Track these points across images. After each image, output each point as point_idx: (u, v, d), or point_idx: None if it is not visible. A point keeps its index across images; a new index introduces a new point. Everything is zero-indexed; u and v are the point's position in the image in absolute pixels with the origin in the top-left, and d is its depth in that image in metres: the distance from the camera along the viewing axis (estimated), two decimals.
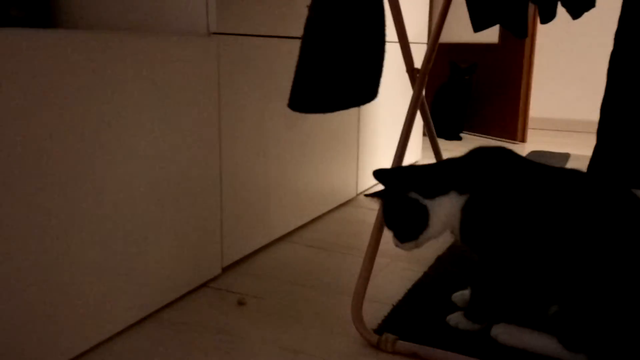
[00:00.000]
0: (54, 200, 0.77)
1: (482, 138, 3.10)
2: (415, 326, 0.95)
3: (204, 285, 1.12)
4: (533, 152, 2.61)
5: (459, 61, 2.96)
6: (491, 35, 3.00)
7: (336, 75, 0.87)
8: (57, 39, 0.76)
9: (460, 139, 3.04)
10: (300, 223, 1.46)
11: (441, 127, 3.01)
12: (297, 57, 0.86)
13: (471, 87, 2.99)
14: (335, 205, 1.65)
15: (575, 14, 1.14)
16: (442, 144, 2.87)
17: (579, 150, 2.70)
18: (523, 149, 2.74)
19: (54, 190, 0.77)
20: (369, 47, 0.90)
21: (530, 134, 3.14)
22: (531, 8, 2.66)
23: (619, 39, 0.95)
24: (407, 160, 2.23)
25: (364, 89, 0.92)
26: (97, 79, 0.82)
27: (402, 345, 0.88)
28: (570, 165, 2.33)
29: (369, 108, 1.79)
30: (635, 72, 0.93)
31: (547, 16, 1.22)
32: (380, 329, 0.94)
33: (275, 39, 1.25)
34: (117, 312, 0.91)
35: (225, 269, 1.19)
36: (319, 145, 1.50)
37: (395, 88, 1.98)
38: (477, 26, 1.05)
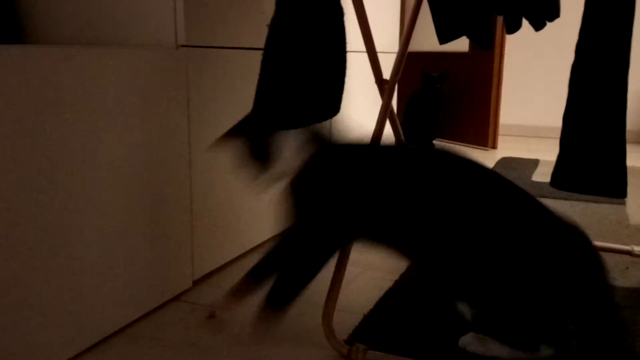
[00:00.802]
0: (21, 212, 0.76)
1: (454, 145, 3.14)
2: (386, 336, 0.95)
3: (175, 299, 1.11)
4: (503, 159, 2.65)
5: (430, 70, 3.00)
6: (462, 44, 3.05)
7: (297, 92, 0.88)
8: (25, 54, 0.75)
9: (433, 146, 3.07)
10: (271, 234, 1.46)
11: (414, 135, 3.04)
12: (258, 76, 0.87)
13: (443, 96, 3.03)
14: None
15: (537, 25, 1.16)
16: None
17: (548, 157, 2.76)
18: (494, 156, 2.79)
19: (21, 202, 0.76)
20: (330, 63, 0.91)
21: (500, 140, 3.19)
22: (498, 18, 2.71)
23: (580, 51, 0.98)
24: None
25: (326, 105, 0.93)
26: (65, 92, 0.81)
27: (373, 355, 0.89)
28: (539, 172, 2.38)
29: (341, 117, 1.80)
30: (594, 83, 0.96)
31: (513, 26, 1.24)
32: (351, 339, 0.94)
33: (245, 50, 1.25)
34: (86, 328, 0.89)
35: (196, 282, 1.18)
36: None
37: (368, 97, 2.00)
38: (443, 38, 1.07)
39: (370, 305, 1.07)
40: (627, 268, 1.26)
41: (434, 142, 3.15)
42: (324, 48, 0.89)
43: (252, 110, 0.89)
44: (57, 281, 0.83)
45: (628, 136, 1.12)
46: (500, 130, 3.13)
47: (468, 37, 1.13)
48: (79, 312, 0.88)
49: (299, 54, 0.87)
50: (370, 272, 1.26)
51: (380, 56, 1.19)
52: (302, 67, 0.87)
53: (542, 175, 2.29)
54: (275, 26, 0.85)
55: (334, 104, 0.96)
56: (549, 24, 1.20)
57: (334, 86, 0.94)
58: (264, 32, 0.89)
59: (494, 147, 3.02)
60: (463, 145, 3.12)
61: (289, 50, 0.86)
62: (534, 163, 2.57)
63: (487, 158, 2.73)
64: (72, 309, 0.86)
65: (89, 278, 0.89)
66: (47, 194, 0.80)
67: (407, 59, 1.15)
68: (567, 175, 1.03)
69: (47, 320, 0.82)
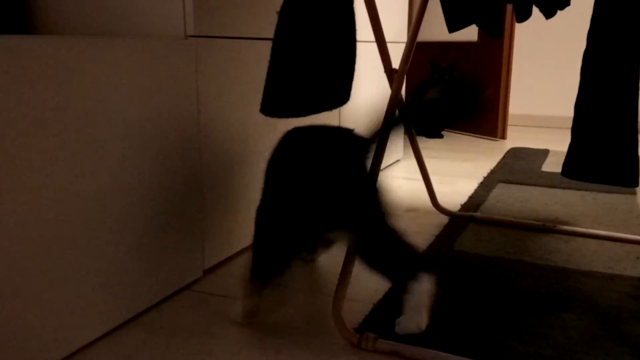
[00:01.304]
0: (27, 199, 0.77)
1: (462, 135, 3.12)
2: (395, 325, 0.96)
3: (186, 288, 1.12)
4: (512, 150, 2.64)
5: (439, 59, 2.98)
6: (471, 33, 3.03)
7: (307, 80, 0.88)
8: (34, 44, 0.75)
9: (441, 136, 3.06)
10: None
11: (423, 125, 3.03)
12: (268, 63, 0.87)
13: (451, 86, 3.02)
14: None
15: (548, 13, 1.15)
16: (424, 142, 2.90)
17: (558, 147, 2.74)
18: (503, 146, 2.77)
19: (27, 189, 0.77)
20: (340, 51, 0.91)
21: (510, 130, 3.18)
22: (508, 7, 2.69)
23: (591, 38, 0.97)
24: (388, 159, 2.24)
25: (336, 92, 0.93)
26: (74, 83, 0.82)
27: (383, 343, 0.89)
28: (549, 161, 2.36)
29: (349, 108, 1.80)
30: (606, 71, 0.95)
31: (523, 15, 1.23)
32: (361, 328, 0.95)
33: (254, 40, 1.25)
34: (97, 317, 0.90)
35: (207, 272, 1.19)
36: None
37: (377, 87, 2.00)
38: (452, 27, 1.07)
39: (380, 295, 1.08)
40: (638, 258, 1.26)
41: (443, 132, 3.13)
42: (334, 36, 0.89)
43: (262, 98, 0.89)
44: (68, 270, 0.84)
45: None
46: (510, 121, 3.11)
47: (477, 25, 1.12)
48: (90, 300, 0.89)
49: (309, 42, 0.87)
50: None
51: (389, 46, 1.19)
52: (311, 56, 0.87)
53: (553, 165, 2.28)
54: (284, 15, 0.85)
55: (343, 93, 0.96)
56: (559, 12, 1.19)
57: (344, 75, 0.94)
58: (273, 22, 0.89)
59: (503, 137, 3.00)
60: (472, 136, 3.11)
61: (299, 38, 0.86)
62: (544, 153, 2.56)
63: (497, 149, 2.72)
64: (83, 297, 0.87)
65: (100, 267, 0.90)
66: (55, 182, 0.81)
67: (416, 48, 1.15)
68: (578, 164, 1.02)
69: (59, 308, 0.83)
